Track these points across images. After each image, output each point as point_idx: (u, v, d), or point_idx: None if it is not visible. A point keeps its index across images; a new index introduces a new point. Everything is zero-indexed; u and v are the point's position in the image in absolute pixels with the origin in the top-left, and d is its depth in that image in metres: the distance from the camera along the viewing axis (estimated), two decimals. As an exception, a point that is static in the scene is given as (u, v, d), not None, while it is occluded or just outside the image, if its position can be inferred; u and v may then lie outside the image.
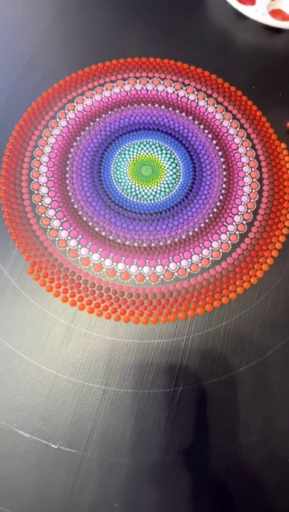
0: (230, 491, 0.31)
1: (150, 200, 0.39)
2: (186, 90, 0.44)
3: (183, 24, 0.48)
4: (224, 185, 0.40)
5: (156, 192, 0.40)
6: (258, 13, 0.48)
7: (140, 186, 0.40)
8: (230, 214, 0.39)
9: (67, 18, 0.48)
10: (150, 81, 0.44)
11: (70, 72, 0.44)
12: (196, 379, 0.33)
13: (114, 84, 0.44)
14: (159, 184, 0.40)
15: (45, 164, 0.40)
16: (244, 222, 0.39)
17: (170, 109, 0.43)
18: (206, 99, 0.44)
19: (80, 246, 0.37)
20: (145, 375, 0.33)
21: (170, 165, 0.41)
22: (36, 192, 0.39)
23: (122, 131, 0.42)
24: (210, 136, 0.42)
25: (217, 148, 0.42)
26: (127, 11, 0.49)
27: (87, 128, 0.42)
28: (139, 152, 0.41)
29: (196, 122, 0.43)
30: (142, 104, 0.43)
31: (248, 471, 0.31)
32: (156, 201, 0.39)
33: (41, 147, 0.41)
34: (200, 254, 0.37)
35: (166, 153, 0.41)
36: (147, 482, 0.30)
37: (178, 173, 0.40)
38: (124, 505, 0.30)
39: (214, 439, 0.32)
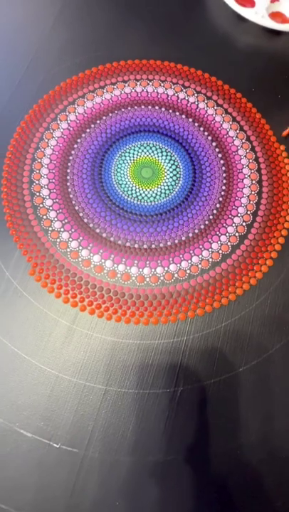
0: (230, 491, 0.31)
1: (150, 201, 0.40)
2: (186, 92, 0.44)
3: (183, 26, 0.49)
4: (224, 187, 0.40)
5: (156, 194, 0.40)
6: (258, 16, 0.48)
7: (140, 188, 0.40)
8: (230, 216, 0.39)
9: (68, 20, 0.48)
10: (150, 83, 0.45)
11: (70, 75, 0.45)
12: (196, 379, 0.34)
13: (115, 87, 0.44)
14: (159, 186, 0.40)
15: (46, 166, 0.40)
16: (243, 223, 0.39)
17: (170, 111, 0.43)
18: (205, 101, 0.44)
19: (81, 247, 0.37)
20: (146, 376, 0.34)
21: (170, 167, 0.41)
22: (38, 194, 0.39)
23: (122, 133, 0.42)
24: (210, 138, 0.42)
25: (217, 150, 0.42)
26: (127, 13, 0.49)
27: (88, 130, 0.42)
28: (139, 154, 0.41)
29: (196, 124, 0.43)
30: (143, 107, 0.43)
31: (248, 470, 0.31)
32: (156, 203, 0.40)
33: (42, 149, 0.41)
34: (200, 256, 0.38)
35: (166, 155, 0.42)
36: (148, 481, 0.31)
37: (178, 175, 0.41)
38: (125, 504, 0.30)
39: (214, 438, 0.32)
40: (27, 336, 0.34)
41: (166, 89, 0.44)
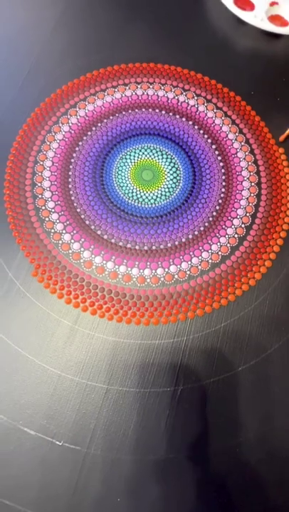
0: (229, 490, 0.31)
1: (151, 204, 0.40)
2: (186, 95, 0.45)
3: (182, 30, 0.49)
4: (223, 190, 0.41)
5: (156, 196, 0.41)
6: (257, 19, 0.48)
7: (141, 190, 0.41)
8: (229, 217, 0.40)
9: (70, 22, 0.49)
10: (151, 86, 0.45)
11: (72, 78, 0.45)
12: (196, 378, 0.34)
13: (116, 90, 0.45)
14: (159, 188, 0.41)
15: (48, 169, 0.41)
16: (243, 225, 0.40)
17: (170, 114, 0.44)
18: (205, 104, 0.45)
19: (82, 249, 0.38)
20: (146, 375, 0.34)
21: (170, 169, 0.42)
22: (40, 196, 0.40)
23: (123, 136, 0.43)
24: (209, 141, 0.43)
25: (216, 153, 0.42)
26: (128, 16, 0.49)
27: (89, 133, 0.43)
28: (140, 157, 0.42)
29: (196, 127, 0.43)
30: (143, 110, 0.44)
31: (247, 469, 0.32)
32: (156, 205, 0.40)
33: (44, 152, 0.42)
34: (200, 257, 0.38)
35: (166, 158, 0.42)
36: (149, 478, 0.31)
37: (178, 178, 0.41)
38: (126, 501, 0.30)
39: (214, 437, 0.32)
40: (30, 336, 0.35)
41: (166, 92, 0.45)
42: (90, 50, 0.47)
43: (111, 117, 0.43)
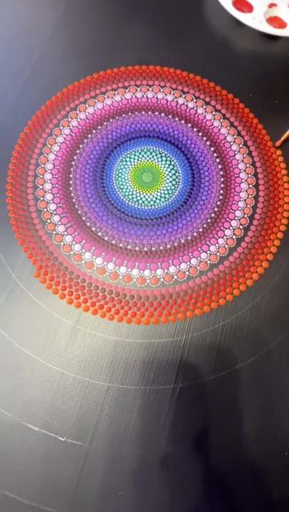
0: (229, 487, 0.32)
1: (151, 206, 0.41)
2: (185, 98, 0.45)
3: (181, 32, 0.49)
4: (222, 191, 0.42)
5: (156, 198, 0.41)
6: (256, 21, 0.49)
7: (141, 192, 0.41)
8: (227, 219, 0.41)
9: (71, 23, 0.49)
10: (150, 89, 0.46)
11: (72, 81, 0.46)
12: (195, 376, 0.35)
13: (116, 93, 0.45)
14: (159, 190, 0.42)
15: (49, 171, 0.42)
16: (241, 226, 0.41)
17: (170, 116, 0.45)
18: (204, 106, 0.45)
19: (84, 250, 0.39)
20: (147, 373, 0.35)
21: (170, 172, 0.42)
22: (41, 198, 0.41)
23: (123, 139, 0.43)
24: (208, 143, 0.44)
25: (215, 155, 0.43)
26: (127, 19, 0.50)
27: (89, 136, 0.43)
28: (140, 159, 0.43)
29: (195, 130, 0.44)
30: (143, 112, 0.45)
31: (246, 465, 0.33)
32: (156, 207, 0.41)
33: (46, 155, 0.42)
34: (198, 258, 0.39)
35: (166, 160, 0.43)
36: (148, 473, 0.32)
37: (177, 180, 0.42)
38: (127, 494, 0.31)
39: (213, 434, 0.33)
40: (33, 336, 0.36)
41: (165, 94, 0.45)
42: (91, 51, 0.47)
43: (111, 120, 0.44)
